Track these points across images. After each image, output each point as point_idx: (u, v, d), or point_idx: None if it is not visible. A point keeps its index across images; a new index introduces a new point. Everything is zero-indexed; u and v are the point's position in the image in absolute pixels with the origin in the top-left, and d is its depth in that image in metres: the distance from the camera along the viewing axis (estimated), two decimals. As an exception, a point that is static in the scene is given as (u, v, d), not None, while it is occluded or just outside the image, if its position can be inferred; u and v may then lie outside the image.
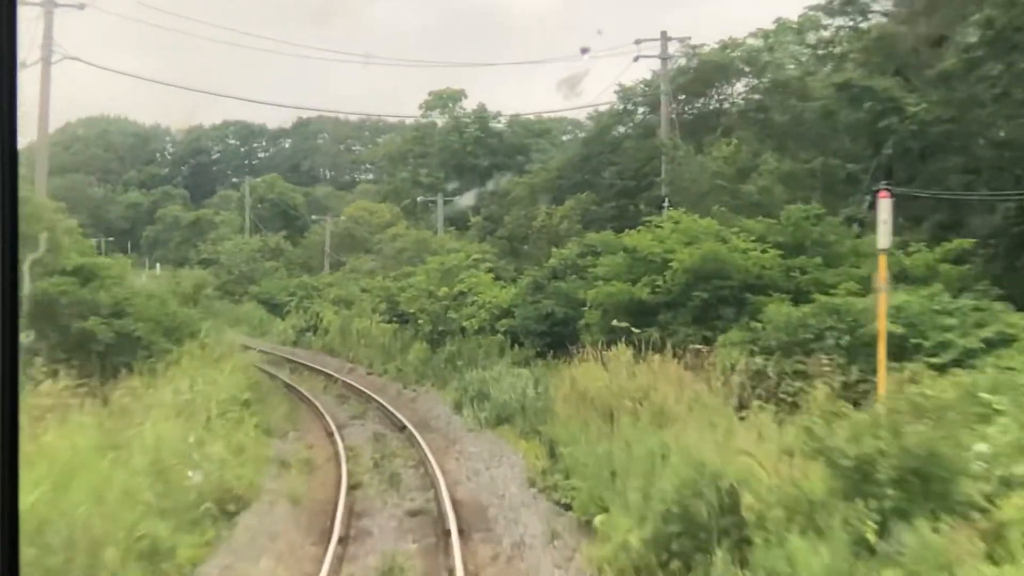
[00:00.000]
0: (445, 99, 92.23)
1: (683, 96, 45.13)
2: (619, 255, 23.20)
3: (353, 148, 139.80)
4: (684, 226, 22.58)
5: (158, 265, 77.62)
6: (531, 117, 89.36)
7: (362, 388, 29.79)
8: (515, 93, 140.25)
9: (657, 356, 18.88)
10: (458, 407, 24.60)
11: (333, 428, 23.16)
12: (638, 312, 21.57)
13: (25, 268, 17.29)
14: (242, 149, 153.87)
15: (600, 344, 20.63)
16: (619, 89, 48.38)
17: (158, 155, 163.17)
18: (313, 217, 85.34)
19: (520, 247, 44.28)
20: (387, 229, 69.85)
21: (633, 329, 20.26)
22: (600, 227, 33.16)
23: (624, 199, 40.19)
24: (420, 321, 33.38)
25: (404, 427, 23.41)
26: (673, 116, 44.72)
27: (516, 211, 48.07)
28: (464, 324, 30.37)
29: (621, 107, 49.78)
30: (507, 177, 60.21)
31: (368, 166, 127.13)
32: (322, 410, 26.04)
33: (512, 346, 27.67)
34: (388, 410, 25.76)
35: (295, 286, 52.75)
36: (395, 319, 36.66)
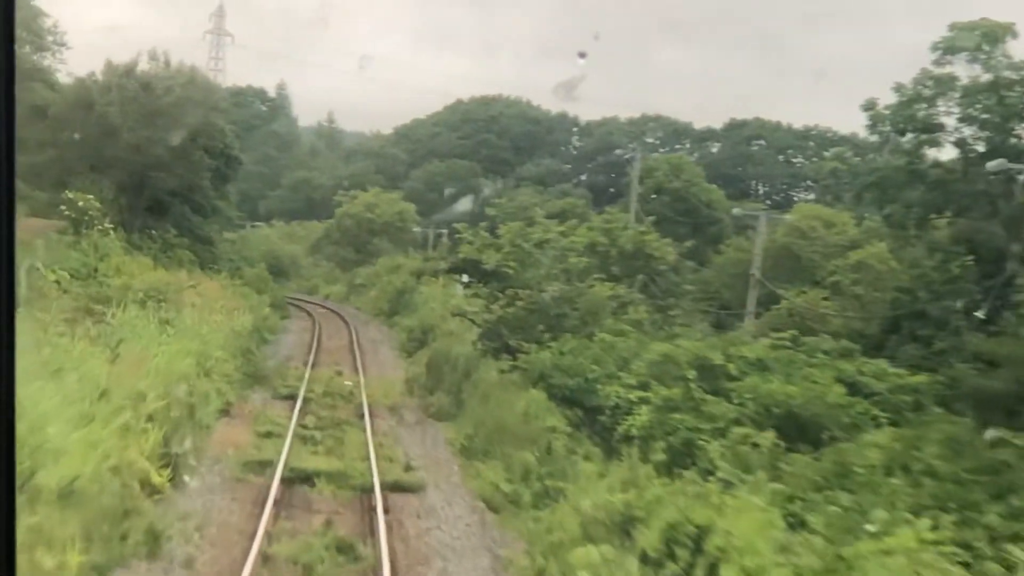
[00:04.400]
0: (979, 37, 52.73)
1: None
2: None
3: (793, 160, 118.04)
4: None
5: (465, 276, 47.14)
6: None
7: None
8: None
9: None
10: None
11: None
12: None
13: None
14: (661, 149, 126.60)
15: None
16: None
17: (561, 148, 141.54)
18: (734, 209, 50.36)
19: None
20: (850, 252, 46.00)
21: None
22: None
23: None
24: None
25: None
26: None
27: None
28: None
29: None
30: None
31: (810, 183, 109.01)
32: None
33: None
34: None
35: (658, 362, 17.10)
36: None
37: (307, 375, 28.16)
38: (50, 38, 47.24)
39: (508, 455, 18.44)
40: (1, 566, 2.62)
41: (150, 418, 14.74)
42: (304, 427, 20.83)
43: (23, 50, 45.93)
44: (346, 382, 28.06)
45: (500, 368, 23.33)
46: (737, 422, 17.43)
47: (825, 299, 47.17)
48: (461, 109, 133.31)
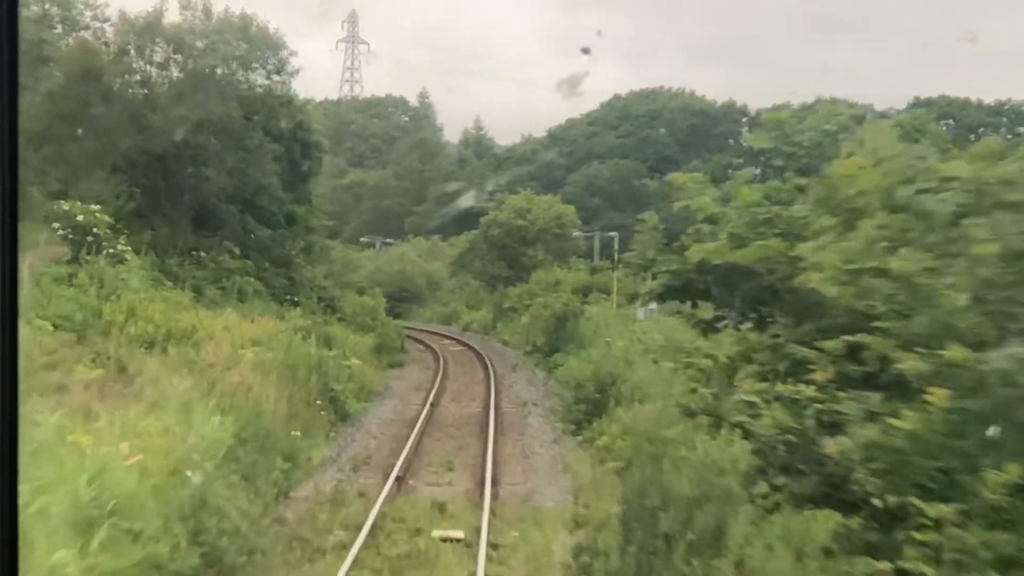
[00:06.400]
0: None
1: None
2: None
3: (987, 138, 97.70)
4: None
5: (652, 308, 31.40)
6: None
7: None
8: None
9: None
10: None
11: None
12: None
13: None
14: (840, 135, 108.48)
15: None
16: None
17: (729, 141, 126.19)
18: None
19: None
20: None
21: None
22: None
23: None
24: None
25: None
26: None
27: None
28: None
29: None
30: None
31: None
32: None
33: None
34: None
35: None
36: None
37: (373, 517, 13.46)
38: (89, 14, 34.80)
39: None
40: (3, 564, 2.32)
41: None
42: None
43: (54, 31, 33.60)
44: (451, 535, 13.16)
45: (822, 546, 7.87)
46: None
47: None
48: (619, 105, 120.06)
